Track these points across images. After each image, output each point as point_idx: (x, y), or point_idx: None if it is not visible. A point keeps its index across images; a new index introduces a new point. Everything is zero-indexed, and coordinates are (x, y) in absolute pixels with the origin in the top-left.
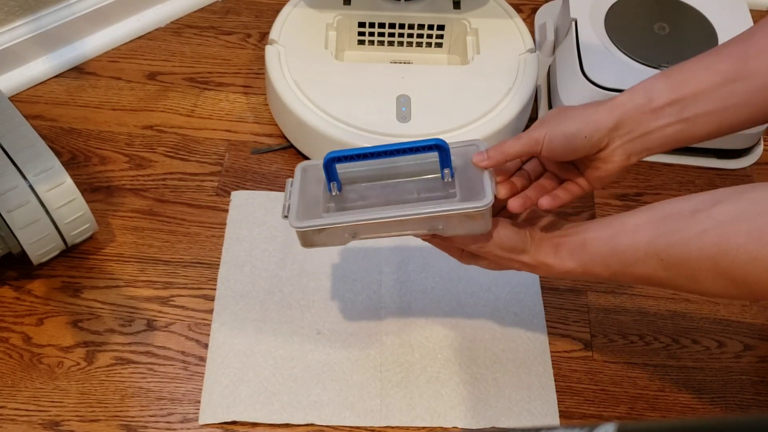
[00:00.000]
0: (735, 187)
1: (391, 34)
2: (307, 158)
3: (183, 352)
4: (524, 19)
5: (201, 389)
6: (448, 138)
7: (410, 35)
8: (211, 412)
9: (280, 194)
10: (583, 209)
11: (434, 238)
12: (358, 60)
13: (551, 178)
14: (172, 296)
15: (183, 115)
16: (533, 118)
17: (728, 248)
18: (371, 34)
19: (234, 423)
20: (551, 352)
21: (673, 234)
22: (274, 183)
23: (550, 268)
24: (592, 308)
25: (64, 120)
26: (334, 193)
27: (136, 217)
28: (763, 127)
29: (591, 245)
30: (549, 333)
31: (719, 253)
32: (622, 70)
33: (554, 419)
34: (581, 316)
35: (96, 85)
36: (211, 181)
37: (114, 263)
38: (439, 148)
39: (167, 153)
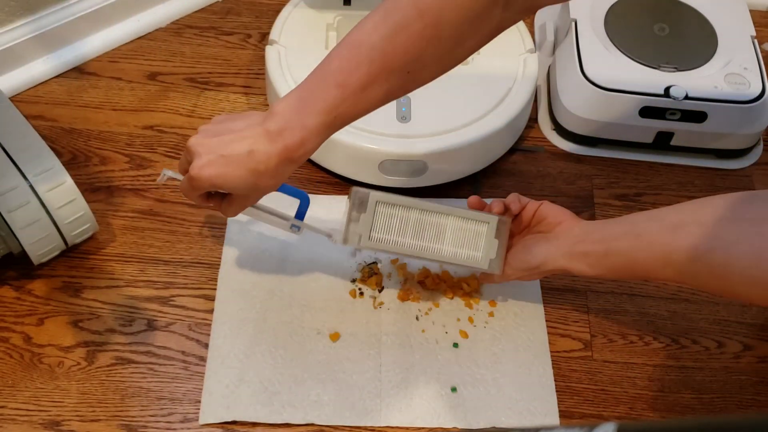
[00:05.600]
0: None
1: None
2: None
3: (183, 352)
4: (524, 19)
5: (201, 389)
6: (447, 138)
7: None
8: (211, 412)
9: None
10: (583, 209)
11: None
12: None
13: None
14: (173, 296)
15: (183, 116)
16: (533, 118)
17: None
18: None
19: (234, 423)
20: (551, 351)
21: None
22: None
23: (571, 273)
24: (591, 308)
25: (64, 120)
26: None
27: (137, 217)
28: (763, 127)
29: (613, 258)
30: (549, 333)
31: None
32: (622, 71)
33: (554, 419)
34: (581, 316)
35: (96, 86)
36: None
37: (114, 263)
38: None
39: (168, 153)
